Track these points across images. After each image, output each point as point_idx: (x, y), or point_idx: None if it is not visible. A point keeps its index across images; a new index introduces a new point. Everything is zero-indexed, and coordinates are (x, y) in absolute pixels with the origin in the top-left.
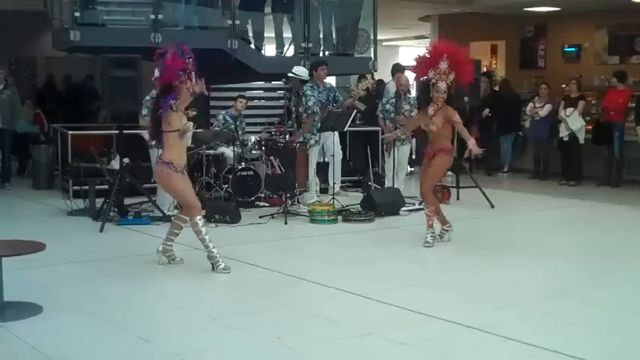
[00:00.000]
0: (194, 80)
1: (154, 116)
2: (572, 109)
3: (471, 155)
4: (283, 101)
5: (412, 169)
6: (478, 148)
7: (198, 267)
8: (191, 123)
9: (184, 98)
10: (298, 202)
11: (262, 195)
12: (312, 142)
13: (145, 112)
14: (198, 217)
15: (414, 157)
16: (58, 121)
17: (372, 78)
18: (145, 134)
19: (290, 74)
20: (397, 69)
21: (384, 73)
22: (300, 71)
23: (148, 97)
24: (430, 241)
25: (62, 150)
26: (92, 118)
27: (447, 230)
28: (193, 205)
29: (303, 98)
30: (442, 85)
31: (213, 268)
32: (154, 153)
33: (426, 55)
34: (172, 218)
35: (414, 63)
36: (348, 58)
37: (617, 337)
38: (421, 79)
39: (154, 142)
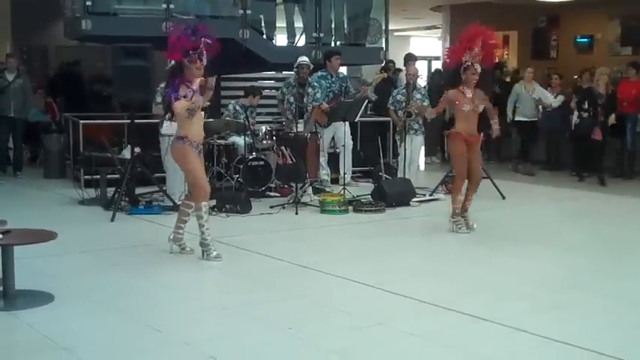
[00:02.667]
0: (204, 60)
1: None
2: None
3: (492, 134)
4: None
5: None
6: (498, 130)
7: (209, 260)
8: (200, 98)
9: (193, 77)
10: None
11: (273, 185)
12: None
13: (158, 99)
14: (204, 203)
15: None
16: (71, 109)
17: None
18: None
19: (303, 62)
20: (409, 59)
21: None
22: (299, 59)
23: (163, 85)
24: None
25: (74, 139)
26: (105, 104)
27: (454, 221)
28: (202, 187)
29: (310, 89)
30: (479, 68)
31: (203, 255)
32: (164, 142)
33: (464, 41)
34: (180, 205)
35: (449, 51)
36: (359, 48)
37: (629, 330)
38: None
39: (163, 127)
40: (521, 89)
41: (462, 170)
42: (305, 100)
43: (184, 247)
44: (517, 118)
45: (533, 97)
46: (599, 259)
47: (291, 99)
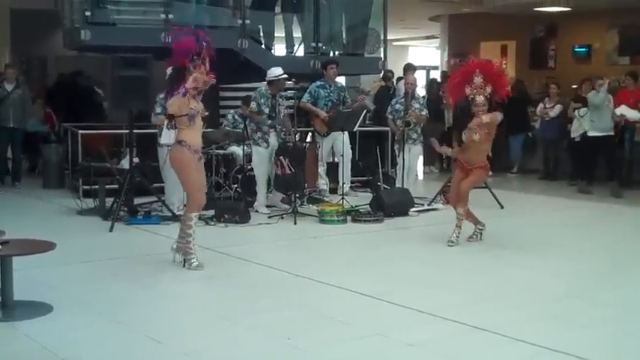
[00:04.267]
0: (208, 67)
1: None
2: (585, 109)
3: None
4: (293, 101)
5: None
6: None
7: (207, 267)
8: (201, 105)
9: (197, 82)
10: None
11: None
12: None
13: (158, 110)
14: (195, 214)
15: None
16: (69, 119)
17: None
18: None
19: (282, 75)
20: (407, 69)
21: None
22: (277, 72)
23: (162, 95)
24: (454, 240)
25: (72, 149)
26: (99, 114)
27: (481, 230)
28: (197, 198)
29: (307, 96)
30: (480, 99)
31: (184, 264)
32: (163, 152)
33: (458, 77)
34: (181, 217)
35: (447, 89)
36: (357, 57)
37: (627, 339)
38: (457, 99)
39: (162, 137)
40: (598, 100)
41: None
42: (277, 110)
43: None
44: (591, 133)
45: (612, 109)
46: (598, 268)
47: (267, 110)
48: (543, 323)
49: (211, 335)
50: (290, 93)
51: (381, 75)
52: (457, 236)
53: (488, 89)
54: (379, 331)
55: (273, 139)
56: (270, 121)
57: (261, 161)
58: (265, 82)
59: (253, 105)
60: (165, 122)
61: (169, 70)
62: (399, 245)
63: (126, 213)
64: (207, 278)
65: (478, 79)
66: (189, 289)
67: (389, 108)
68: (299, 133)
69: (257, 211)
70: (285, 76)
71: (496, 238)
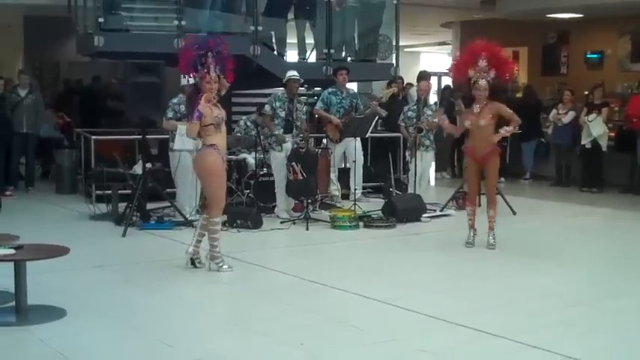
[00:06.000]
0: (212, 74)
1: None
2: (594, 115)
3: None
4: (306, 107)
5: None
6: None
7: (220, 272)
8: (223, 112)
9: (207, 92)
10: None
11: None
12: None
13: (170, 114)
14: (219, 218)
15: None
16: (83, 125)
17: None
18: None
19: (294, 76)
20: (422, 76)
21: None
22: (290, 73)
23: (175, 100)
24: (493, 242)
25: (85, 154)
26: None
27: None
28: (220, 203)
29: (321, 103)
30: (482, 83)
31: (209, 267)
32: (175, 157)
33: (464, 56)
34: (200, 223)
35: (451, 66)
36: (369, 64)
37: (636, 347)
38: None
39: (175, 143)
40: None
41: (469, 185)
42: (295, 115)
43: (200, 259)
44: None
45: None
46: (609, 275)
47: (282, 114)
48: (555, 330)
49: (224, 340)
50: (303, 99)
51: (388, 81)
52: (494, 237)
53: (492, 73)
54: (392, 337)
55: (288, 144)
56: (282, 130)
57: (279, 165)
58: (282, 88)
59: (267, 108)
60: (178, 127)
61: (183, 80)
62: (411, 251)
63: (139, 218)
64: (219, 283)
65: (482, 63)
66: (202, 294)
67: (401, 115)
68: (312, 139)
69: (278, 216)
70: (297, 76)
71: (508, 244)
